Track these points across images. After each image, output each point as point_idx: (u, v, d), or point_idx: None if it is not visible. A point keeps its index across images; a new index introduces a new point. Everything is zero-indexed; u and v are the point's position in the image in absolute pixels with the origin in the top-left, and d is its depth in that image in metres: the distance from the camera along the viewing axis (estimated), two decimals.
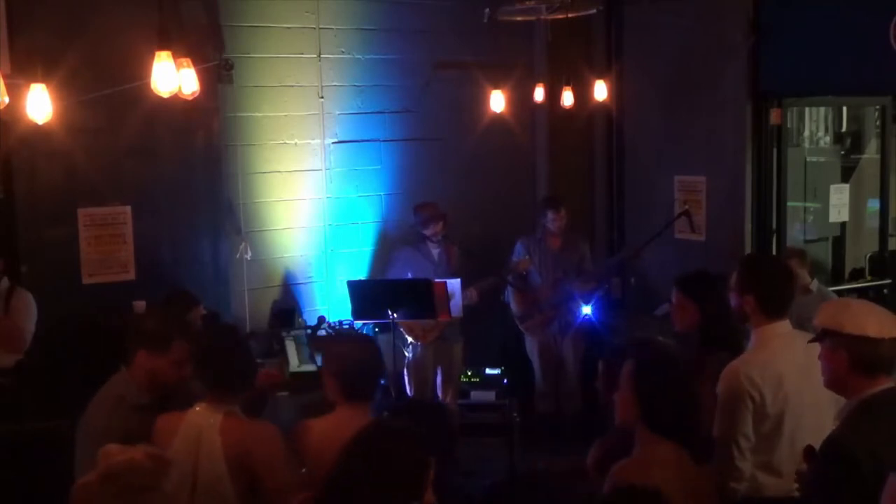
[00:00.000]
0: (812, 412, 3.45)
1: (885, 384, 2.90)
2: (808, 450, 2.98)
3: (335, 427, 3.33)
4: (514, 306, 7.08)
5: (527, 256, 6.93)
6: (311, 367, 6.35)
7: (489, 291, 6.88)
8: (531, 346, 7.18)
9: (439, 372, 6.79)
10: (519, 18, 6.47)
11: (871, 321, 2.89)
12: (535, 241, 7.07)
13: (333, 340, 6.16)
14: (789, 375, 3.46)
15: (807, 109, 8.76)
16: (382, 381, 7.14)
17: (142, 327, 3.71)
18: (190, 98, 4.38)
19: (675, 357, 3.34)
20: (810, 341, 3.06)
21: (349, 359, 3.56)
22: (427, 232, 6.66)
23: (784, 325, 3.61)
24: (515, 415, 6.46)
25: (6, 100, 3.99)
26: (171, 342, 3.58)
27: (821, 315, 3.01)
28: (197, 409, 3.41)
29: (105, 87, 5.58)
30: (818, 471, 2.91)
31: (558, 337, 7.07)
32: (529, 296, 7.00)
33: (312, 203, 7.06)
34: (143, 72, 4.37)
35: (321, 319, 6.81)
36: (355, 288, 6.43)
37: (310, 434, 3.50)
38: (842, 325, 2.90)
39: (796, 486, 3.22)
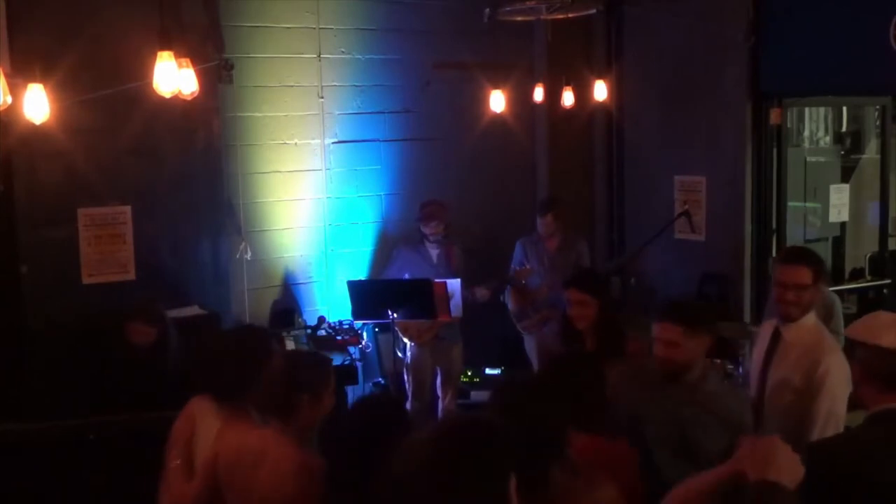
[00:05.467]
0: None
1: None
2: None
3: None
4: (510, 305, 7.06)
5: (527, 265, 6.91)
6: None
7: (497, 291, 6.87)
8: (530, 346, 7.18)
9: (438, 372, 6.79)
10: (519, 18, 6.46)
11: (890, 332, 2.74)
12: (533, 241, 7.05)
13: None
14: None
15: (807, 109, 8.76)
16: (382, 381, 7.20)
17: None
18: (190, 98, 4.37)
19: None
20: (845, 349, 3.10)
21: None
22: (425, 230, 6.63)
23: None
24: None
25: (9, 100, 3.97)
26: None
27: (849, 327, 2.97)
28: None
29: (105, 87, 5.57)
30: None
31: (557, 337, 7.05)
32: (527, 295, 6.99)
33: (312, 203, 7.06)
34: (143, 72, 4.37)
35: (321, 319, 6.82)
36: (355, 288, 6.43)
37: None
38: (857, 334, 2.82)
39: None
